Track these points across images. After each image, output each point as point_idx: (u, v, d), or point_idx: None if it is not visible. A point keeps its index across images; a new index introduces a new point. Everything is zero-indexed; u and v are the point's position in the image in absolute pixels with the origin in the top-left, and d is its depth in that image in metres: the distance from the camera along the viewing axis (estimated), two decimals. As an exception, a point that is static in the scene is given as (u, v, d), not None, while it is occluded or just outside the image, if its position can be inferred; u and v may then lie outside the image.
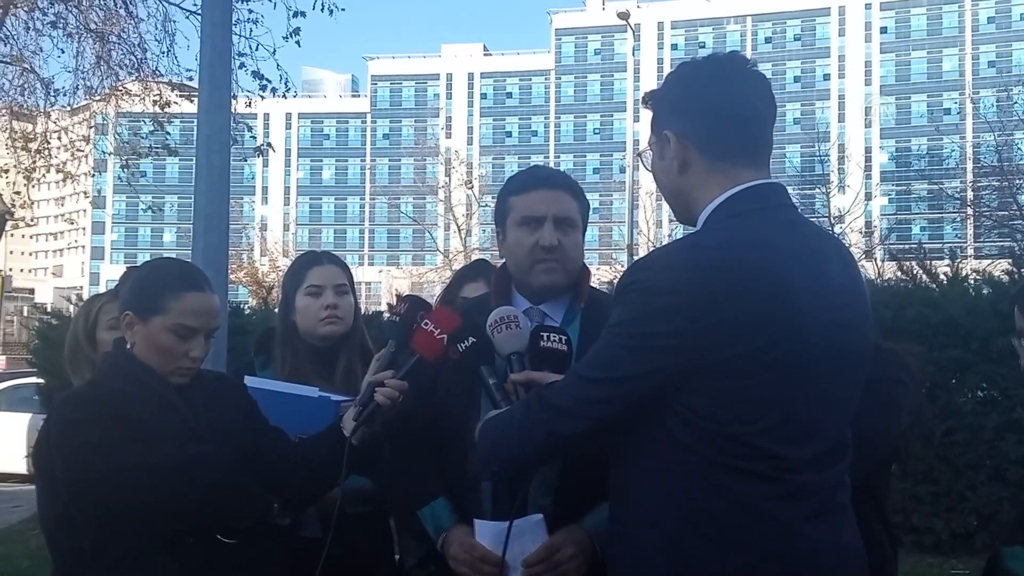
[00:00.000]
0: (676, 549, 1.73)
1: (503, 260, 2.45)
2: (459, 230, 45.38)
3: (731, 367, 1.69)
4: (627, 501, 1.84)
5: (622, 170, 54.22)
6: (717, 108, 1.88)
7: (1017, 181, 25.11)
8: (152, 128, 12.43)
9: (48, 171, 13.93)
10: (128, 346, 2.32)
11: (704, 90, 1.91)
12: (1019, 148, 29.94)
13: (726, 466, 1.71)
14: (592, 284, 2.48)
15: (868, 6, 74.29)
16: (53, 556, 2.42)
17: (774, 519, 1.71)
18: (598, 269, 32.10)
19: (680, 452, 1.74)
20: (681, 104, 1.93)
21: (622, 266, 29.92)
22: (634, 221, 29.00)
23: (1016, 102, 30.92)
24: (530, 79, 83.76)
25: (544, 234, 2.30)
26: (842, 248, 1.94)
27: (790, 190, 2.00)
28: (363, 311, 3.40)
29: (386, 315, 2.68)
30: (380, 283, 58.50)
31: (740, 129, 1.88)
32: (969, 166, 36.25)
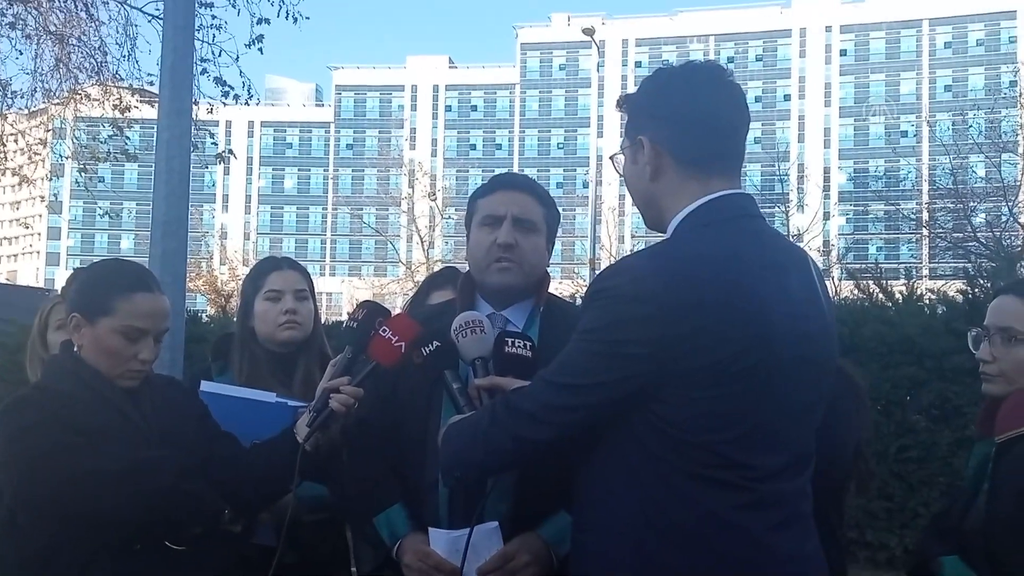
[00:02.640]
0: (642, 557, 1.73)
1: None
2: (422, 242, 45.26)
3: (699, 377, 1.69)
4: (593, 509, 1.83)
5: (585, 185, 54.41)
6: (693, 116, 1.88)
7: (971, 203, 25.58)
8: (111, 133, 12.25)
9: (3, 174, 13.67)
10: (76, 348, 2.27)
11: (681, 98, 1.90)
12: (973, 171, 30.53)
13: (694, 474, 1.71)
14: (552, 292, 2.48)
15: (828, 28, 75.46)
16: None
17: (741, 528, 1.71)
18: (560, 283, 32.16)
19: (648, 460, 1.73)
20: (657, 110, 1.92)
21: (584, 280, 29.99)
22: (596, 236, 29.10)
23: (971, 126, 31.53)
24: (495, 93, 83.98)
25: (501, 232, 2.31)
26: (807, 260, 1.94)
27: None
28: (324, 321, 3.37)
29: (345, 323, 2.67)
30: (341, 294, 58.16)
31: (714, 138, 1.88)
32: (925, 188, 36.86)
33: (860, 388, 2.58)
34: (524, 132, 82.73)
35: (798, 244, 2.72)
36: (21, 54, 11.51)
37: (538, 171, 72.75)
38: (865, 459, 2.60)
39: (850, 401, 2.48)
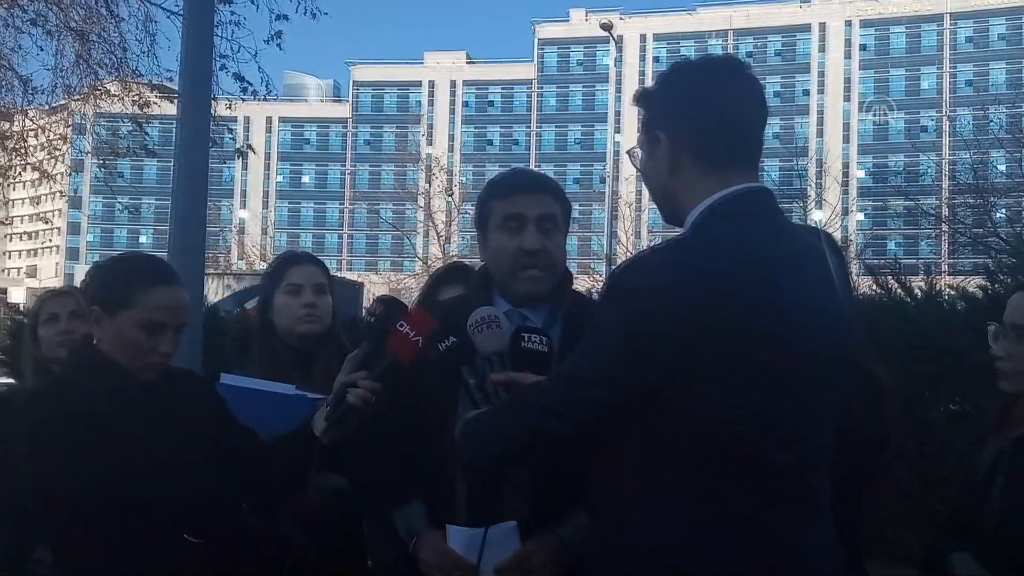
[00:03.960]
0: (662, 553, 1.73)
1: (482, 263, 2.45)
2: (439, 237, 45.30)
3: (716, 372, 1.69)
4: (611, 504, 1.83)
5: (602, 180, 54.37)
6: (711, 112, 1.87)
7: (992, 199, 25.38)
8: (131, 129, 12.33)
9: (24, 170, 13.79)
10: (95, 341, 2.29)
11: (698, 93, 1.89)
12: (995, 166, 30.29)
13: (713, 470, 1.71)
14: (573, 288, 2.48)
15: (848, 23, 74.95)
16: None
17: (760, 522, 1.71)
18: (577, 278, 32.09)
19: (666, 455, 1.73)
20: (675, 106, 1.91)
21: (601, 276, 29.98)
22: (613, 231, 29.06)
23: (992, 121, 31.31)
24: (512, 88, 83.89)
25: (527, 237, 2.29)
26: (824, 254, 1.93)
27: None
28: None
29: (364, 317, 2.69)
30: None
31: (732, 133, 1.88)
32: (945, 183, 36.61)
33: (880, 385, 2.54)
34: (541, 127, 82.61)
35: (821, 230, 2.68)
36: (42, 50, 11.59)
37: (555, 166, 72.70)
38: (887, 458, 2.56)
39: (866, 398, 2.45)
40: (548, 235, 2.32)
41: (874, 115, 69.55)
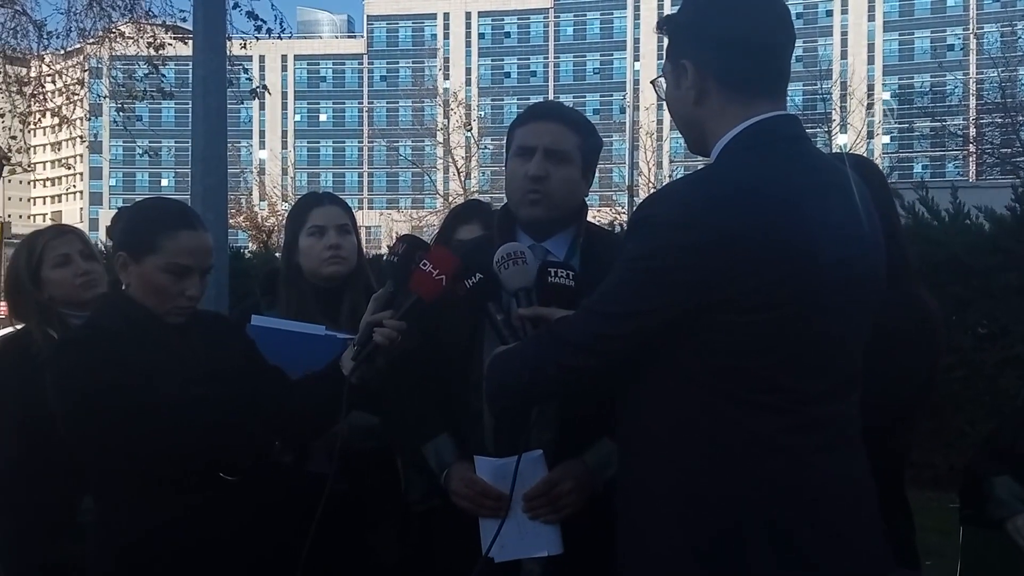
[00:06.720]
0: (687, 482, 1.73)
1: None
2: (458, 173, 45.08)
3: (744, 302, 1.67)
4: (637, 434, 1.84)
5: (622, 110, 53.81)
6: (737, 37, 1.82)
7: (1020, 118, 24.88)
8: (147, 71, 12.30)
9: (44, 115, 13.81)
10: (124, 287, 2.32)
11: (724, 18, 1.84)
12: (1023, 84, 29.64)
13: (739, 399, 1.70)
14: (590, 221, 2.47)
15: (872, -61, 73.08)
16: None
17: (786, 451, 1.71)
18: (599, 211, 31.98)
19: (693, 385, 1.73)
20: (700, 32, 1.86)
21: (622, 207, 29.78)
22: (634, 162, 28.76)
23: (1020, 37, 30.57)
24: (528, 18, 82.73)
25: (531, 164, 2.29)
26: (849, 179, 1.89)
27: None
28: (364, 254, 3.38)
29: (386, 257, 2.69)
30: (380, 227, 58.33)
31: (759, 59, 1.83)
32: (972, 103, 35.93)
33: (932, 318, 2.47)
34: (559, 57, 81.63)
35: (862, 157, 2.62)
36: (55, -7, 11.54)
37: (574, 96, 71.95)
38: (934, 390, 2.52)
39: (915, 331, 2.39)
40: (555, 165, 2.30)
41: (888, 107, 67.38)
